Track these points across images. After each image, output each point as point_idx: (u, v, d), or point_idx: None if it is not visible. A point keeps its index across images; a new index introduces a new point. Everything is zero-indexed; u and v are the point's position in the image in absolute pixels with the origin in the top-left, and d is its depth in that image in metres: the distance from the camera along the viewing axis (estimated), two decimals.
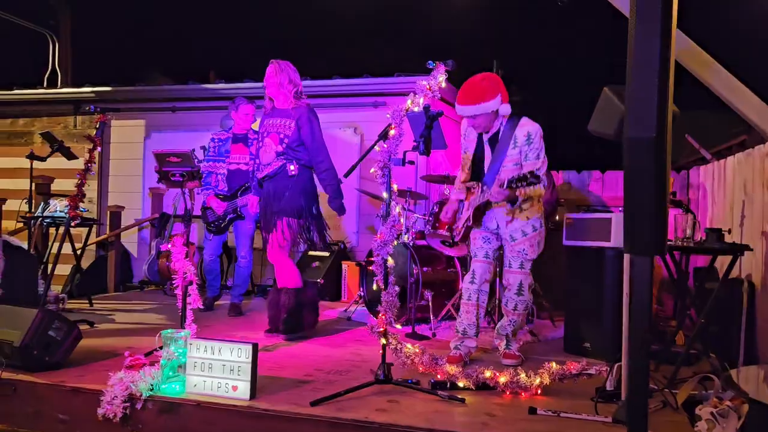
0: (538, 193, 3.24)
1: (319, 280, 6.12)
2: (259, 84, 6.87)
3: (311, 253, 6.41)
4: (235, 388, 2.71)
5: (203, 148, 7.25)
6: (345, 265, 6.21)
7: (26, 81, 8.12)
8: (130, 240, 7.42)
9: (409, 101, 2.92)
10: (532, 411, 2.59)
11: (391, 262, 2.92)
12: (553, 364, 2.87)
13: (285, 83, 4.08)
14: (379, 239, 2.84)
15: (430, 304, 4.44)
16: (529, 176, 2.96)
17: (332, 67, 6.82)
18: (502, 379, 2.83)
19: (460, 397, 2.72)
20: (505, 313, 3.56)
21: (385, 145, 2.83)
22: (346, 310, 5.29)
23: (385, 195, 2.88)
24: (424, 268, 4.55)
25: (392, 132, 2.84)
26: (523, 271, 3.47)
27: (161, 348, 3.34)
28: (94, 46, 11.16)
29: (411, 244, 4.62)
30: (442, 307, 4.61)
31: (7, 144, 8.11)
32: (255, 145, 5.07)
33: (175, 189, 7.11)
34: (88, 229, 5.44)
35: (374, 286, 2.92)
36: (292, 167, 4.05)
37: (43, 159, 4.27)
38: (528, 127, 3.39)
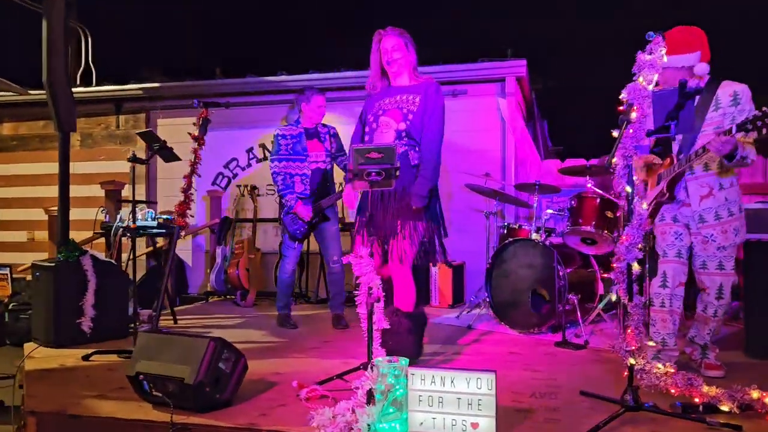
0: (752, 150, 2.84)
1: None
2: (328, 75, 6.48)
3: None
4: (475, 425, 2.27)
5: (262, 146, 6.84)
6: (434, 267, 5.76)
7: None
8: (183, 248, 6.91)
9: (640, 78, 2.48)
10: None
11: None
12: None
13: (411, 51, 3.39)
14: (626, 241, 2.40)
15: (577, 308, 4.03)
16: (762, 114, 2.50)
17: None
18: (758, 396, 2.42)
19: (735, 423, 2.31)
20: (702, 321, 3.15)
21: (631, 131, 2.40)
22: (458, 317, 4.86)
23: (628, 189, 2.44)
24: (567, 270, 4.13)
25: (634, 114, 2.41)
26: (723, 272, 3.05)
27: (339, 376, 2.91)
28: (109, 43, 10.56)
29: (548, 243, 4.20)
30: (585, 310, 4.20)
31: (40, 148, 7.53)
32: (329, 141, 4.63)
33: (226, 191, 6.66)
34: (170, 237, 4.92)
35: (613, 296, 2.49)
36: (414, 155, 3.30)
37: (145, 162, 3.77)
38: (734, 86, 2.97)
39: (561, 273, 4.01)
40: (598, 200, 4.05)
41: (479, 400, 2.27)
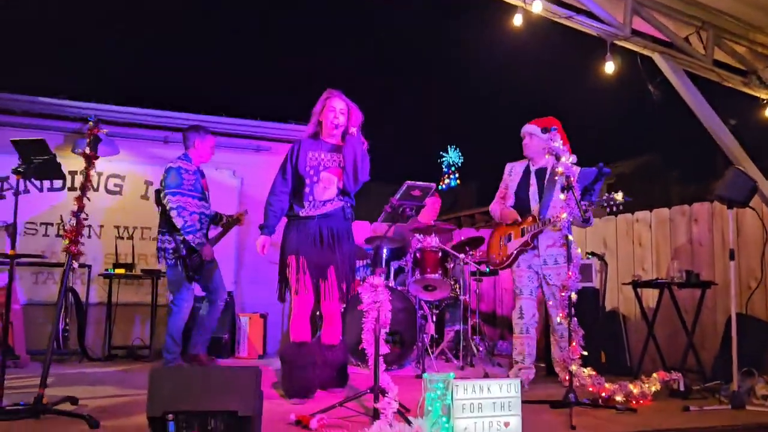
0: None
1: (224, 336, 5.49)
2: (119, 108, 5.90)
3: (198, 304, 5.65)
4: (507, 423, 2.70)
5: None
6: (244, 317, 5.69)
7: None
8: None
9: (564, 157, 3.40)
10: (686, 408, 3.33)
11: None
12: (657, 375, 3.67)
13: (350, 116, 3.64)
14: (573, 276, 3.22)
15: (428, 345, 4.68)
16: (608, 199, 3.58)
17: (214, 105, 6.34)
18: (635, 390, 3.48)
19: (631, 407, 3.29)
20: (557, 343, 4.09)
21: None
22: None
23: (570, 238, 3.29)
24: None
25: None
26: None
27: (341, 404, 2.95)
28: None
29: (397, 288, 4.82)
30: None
31: None
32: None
33: None
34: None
35: (558, 318, 3.25)
36: (348, 210, 3.69)
37: (27, 177, 3.01)
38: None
39: (420, 314, 4.64)
40: (440, 253, 4.86)
41: (509, 402, 2.73)
